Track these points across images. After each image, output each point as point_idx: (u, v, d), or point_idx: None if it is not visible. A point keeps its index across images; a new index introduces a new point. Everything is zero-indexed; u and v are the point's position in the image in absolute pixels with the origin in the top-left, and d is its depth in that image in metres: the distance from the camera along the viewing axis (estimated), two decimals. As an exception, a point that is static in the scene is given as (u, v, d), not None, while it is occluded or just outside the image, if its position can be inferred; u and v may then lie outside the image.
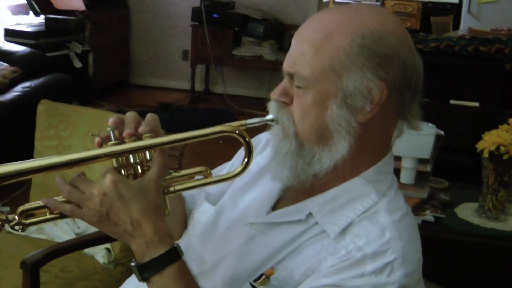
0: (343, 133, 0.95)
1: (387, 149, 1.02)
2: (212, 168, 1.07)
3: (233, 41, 5.47)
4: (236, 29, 5.45)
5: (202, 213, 1.14)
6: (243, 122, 0.98)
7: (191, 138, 0.96)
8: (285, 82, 1.00)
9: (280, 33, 5.58)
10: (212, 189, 1.16)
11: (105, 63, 5.42)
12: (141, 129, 0.94)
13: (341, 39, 0.94)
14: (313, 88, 0.95)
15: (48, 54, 4.42)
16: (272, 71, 5.45)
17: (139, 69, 6.17)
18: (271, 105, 1.02)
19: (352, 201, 0.98)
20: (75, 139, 2.13)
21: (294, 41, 0.99)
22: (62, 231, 2.12)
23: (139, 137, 0.94)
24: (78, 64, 4.78)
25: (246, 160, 0.97)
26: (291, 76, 0.98)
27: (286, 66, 0.99)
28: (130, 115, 0.96)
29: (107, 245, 1.99)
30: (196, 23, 5.48)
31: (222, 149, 4.30)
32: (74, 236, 2.08)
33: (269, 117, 1.01)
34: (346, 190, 0.99)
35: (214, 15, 5.39)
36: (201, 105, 5.58)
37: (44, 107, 2.20)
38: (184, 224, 1.19)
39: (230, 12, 5.46)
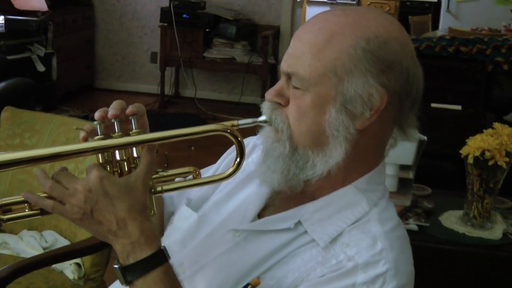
0: (340, 139, 0.93)
1: (380, 159, 1.00)
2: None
3: (204, 43, 5.37)
4: (207, 30, 5.35)
5: (183, 219, 1.11)
6: (235, 122, 0.96)
7: (181, 136, 0.94)
8: (281, 82, 0.97)
9: (252, 34, 5.53)
10: (194, 194, 1.14)
11: (69, 66, 5.31)
12: (128, 111, 0.92)
13: (345, 42, 0.92)
14: (312, 90, 0.93)
15: (9, 57, 4.30)
16: (244, 73, 5.39)
17: (105, 72, 6.03)
18: (265, 106, 0.99)
19: (342, 210, 0.96)
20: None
21: (294, 41, 0.96)
22: (29, 246, 2.05)
23: (126, 132, 0.91)
24: (41, 67, 4.67)
25: (238, 160, 0.96)
26: (289, 76, 0.95)
27: (285, 66, 0.96)
28: (116, 102, 0.94)
29: (77, 260, 1.93)
30: (165, 24, 5.37)
31: (194, 156, 4.21)
32: (41, 251, 2.00)
33: (262, 118, 0.98)
34: (336, 199, 0.97)
35: (184, 15, 5.29)
36: (171, 109, 5.50)
37: (7, 114, 2.14)
38: (161, 227, 1.17)
39: (201, 13, 5.35)
